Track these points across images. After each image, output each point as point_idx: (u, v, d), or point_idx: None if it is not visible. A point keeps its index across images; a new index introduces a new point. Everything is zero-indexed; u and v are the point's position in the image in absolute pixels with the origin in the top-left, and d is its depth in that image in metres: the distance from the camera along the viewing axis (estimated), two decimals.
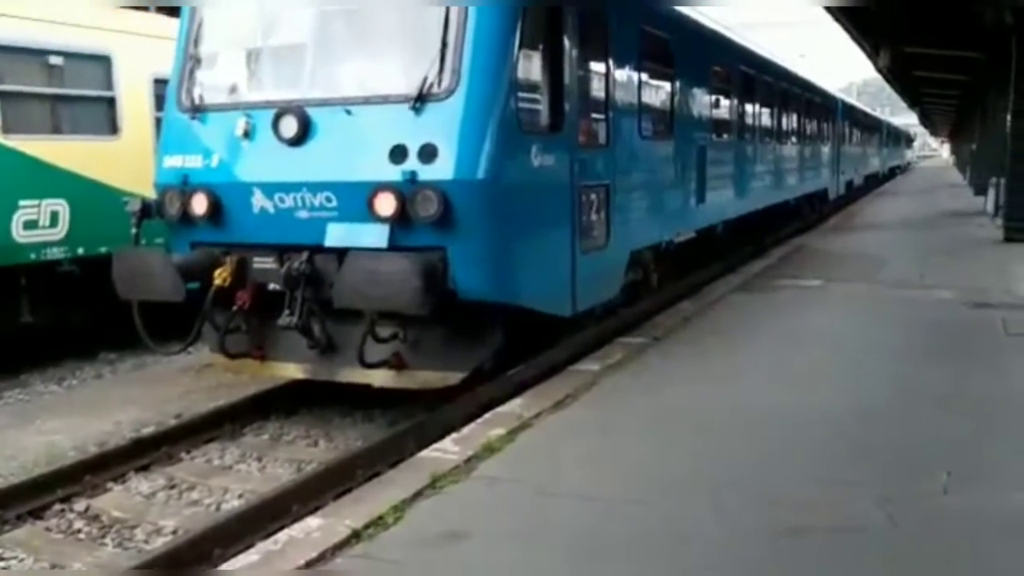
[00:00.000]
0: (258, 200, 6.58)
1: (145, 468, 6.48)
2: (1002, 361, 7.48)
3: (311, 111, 6.46)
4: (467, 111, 6.18)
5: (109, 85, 9.87)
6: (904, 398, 6.40)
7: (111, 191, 9.69)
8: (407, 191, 6.07)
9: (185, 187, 6.83)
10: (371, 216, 6.16)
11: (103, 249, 9.64)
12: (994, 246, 15.26)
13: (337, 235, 6.32)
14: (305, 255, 6.47)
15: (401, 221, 6.11)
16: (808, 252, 15.29)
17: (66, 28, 9.42)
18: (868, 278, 11.80)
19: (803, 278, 11.92)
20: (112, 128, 9.95)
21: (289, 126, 6.44)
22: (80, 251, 9.49)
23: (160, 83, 10.20)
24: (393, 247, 6.09)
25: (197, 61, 7.24)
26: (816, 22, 43.18)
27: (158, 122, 10.20)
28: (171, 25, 10.57)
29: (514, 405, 6.34)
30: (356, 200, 6.20)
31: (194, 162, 6.89)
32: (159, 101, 10.21)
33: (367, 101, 6.42)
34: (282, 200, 6.51)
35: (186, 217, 6.86)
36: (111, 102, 9.92)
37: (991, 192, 20.25)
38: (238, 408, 7.52)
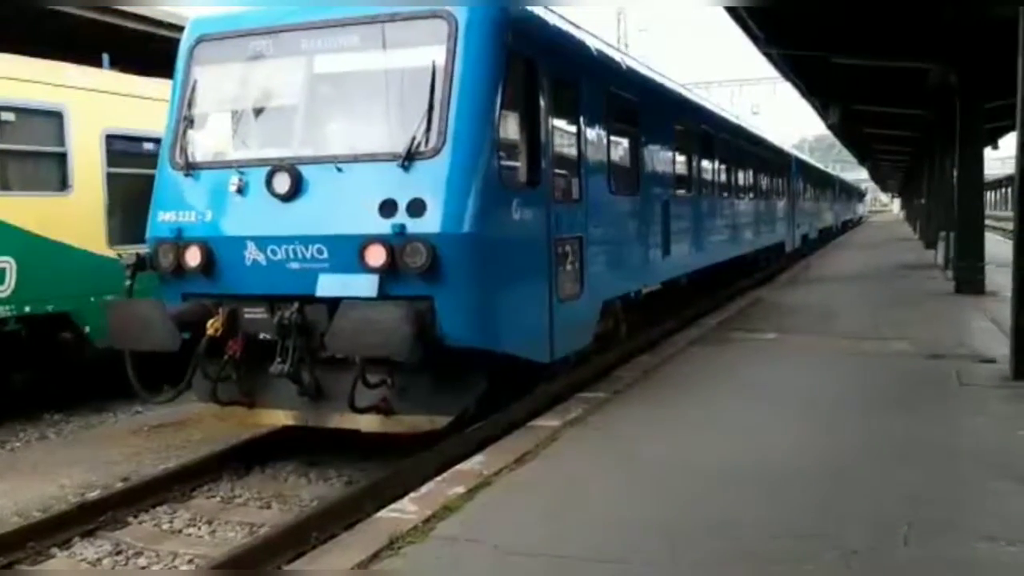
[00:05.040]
0: (251, 253, 6.89)
1: (91, 533, 6.27)
2: (957, 412, 7.60)
3: (302, 168, 6.82)
4: (453, 168, 6.58)
5: (60, 141, 9.77)
6: (863, 449, 6.46)
7: (60, 248, 9.57)
8: (396, 243, 6.43)
9: (179, 241, 7.12)
10: (361, 267, 6.49)
11: (50, 307, 9.48)
12: (945, 298, 15.60)
13: (328, 285, 6.61)
14: (296, 305, 6.71)
15: (390, 272, 6.46)
16: (766, 305, 15.50)
17: (17, 83, 9.34)
18: (825, 330, 11.98)
19: (761, 331, 12.06)
20: (62, 184, 9.83)
21: (282, 182, 6.78)
22: (27, 309, 9.28)
23: (112, 139, 10.20)
24: (382, 296, 6.42)
25: (190, 121, 7.55)
26: (768, 79, 44.50)
27: (110, 178, 10.17)
28: (124, 81, 10.61)
29: (474, 462, 6.29)
30: (347, 252, 6.54)
31: (188, 217, 7.20)
32: (111, 157, 10.18)
33: (357, 159, 6.79)
34: (274, 253, 6.82)
35: (179, 269, 7.12)
36: (62, 158, 9.81)
37: (941, 246, 20.82)
38: (188, 470, 7.34)
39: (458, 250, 6.47)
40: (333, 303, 6.46)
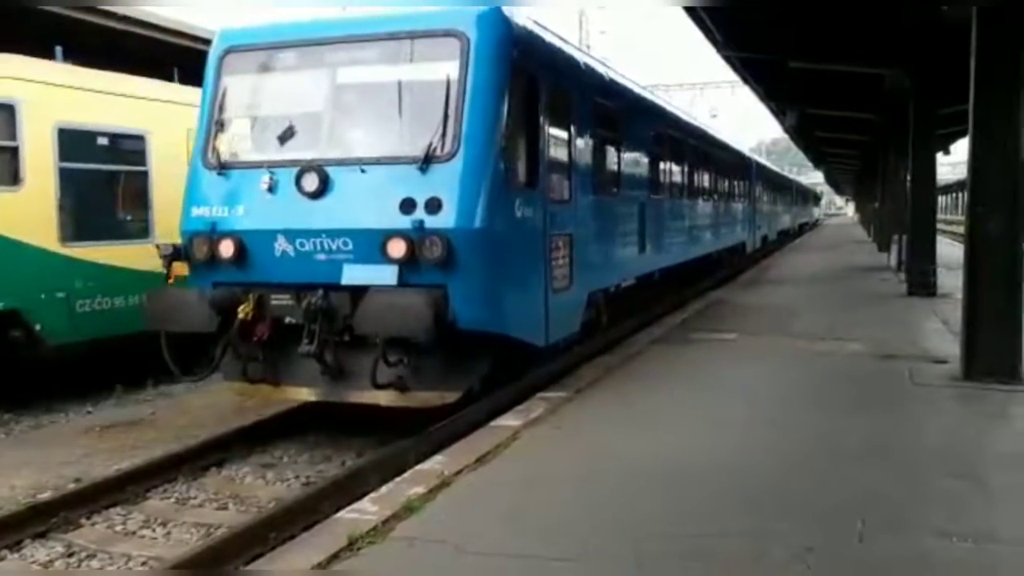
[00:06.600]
0: (281, 245, 7.56)
1: (42, 535, 6.12)
2: (910, 410, 7.73)
3: (329, 169, 7.49)
4: (466, 170, 7.32)
5: (12, 135, 9.52)
6: (819, 448, 6.54)
7: (10, 244, 9.33)
8: (415, 237, 7.14)
9: (212, 234, 7.74)
10: (383, 258, 7.21)
11: (0, 305, 9.25)
12: (898, 299, 15.88)
13: (352, 275, 7.33)
14: (320, 292, 7.36)
15: (408, 263, 7.18)
16: (724, 306, 15.66)
17: None
18: (781, 331, 12.13)
19: (720, 331, 12.17)
20: (13, 179, 9.57)
21: (311, 181, 7.44)
22: None
23: (65, 133, 9.97)
24: (401, 285, 7.17)
25: (221, 125, 8.20)
26: (727, 82, 45.03)
27: (63, 173, 9.94)
28: (78, 75, 10.38)
29: (434, 462, 6.26)
30: (370, 244, 7.25)
31: (220, 212, 7.83)
32: (63, 151, 9.95)
33: (379, 161, 7.51)
34: (302, 245, 7.50)
35: (212, 260, 7.76)
36: (14, 152, 9.56)
37: (894, 248, 21.17)
38: (142, 470, 7.20)
39: (470, 243, 7.18)
40: (356, 291, 7.20)
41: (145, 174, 10.97)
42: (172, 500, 6.92)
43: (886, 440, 6.71)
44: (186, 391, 10.46)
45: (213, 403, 9.67)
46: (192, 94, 11.25)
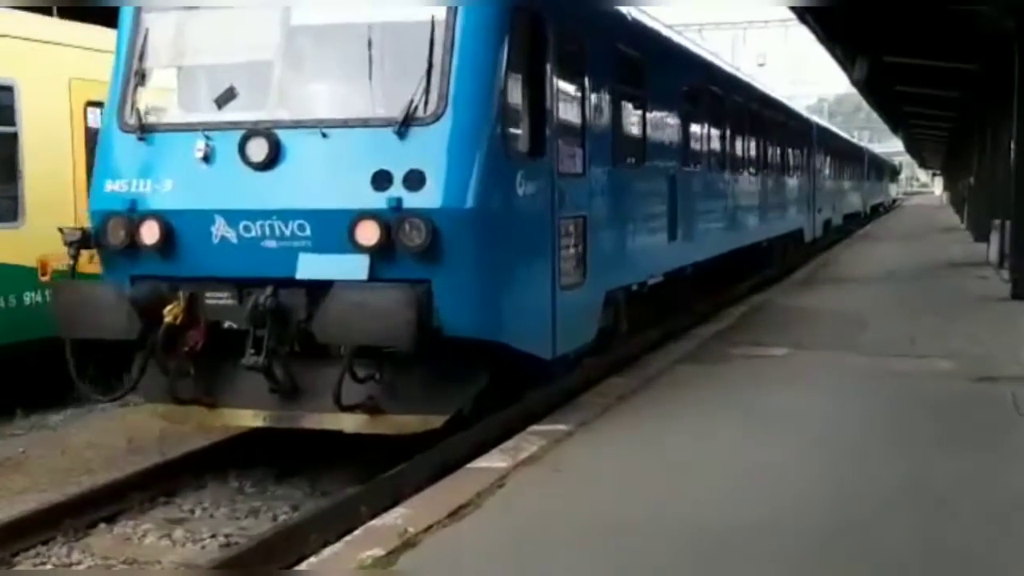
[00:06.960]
0: (219, 229, 7.57)
1: None
2: (1016, 447, 7.76)
3: (281, 133, 7.55)
4: (455, 136, 7.43)
5: None
6: (894, 499, 6.53)
7: None
8: (392, 219, 7.21)
9: (132, 214, 7.72)
10: (350, 246, 7.26)
11: None
12: (999, 304, 15.97)
13: (310, 267, 7.39)
14: (269, 289, 7.44)
15: (382, 252, 7.24)
16: (774, 310, 15.72)
17: None
18: (847, 345, 12.17)
19: (768, 344, 12.22)
20: None
21: (259, 149, 7.50)
22: None
23: None
24: (374, 279, 7.23)
25: (142, 76, 8.22)
26: (778, 22, 45.04)
27: None
28: None
29: (394, 516, 6.23)
30: (333, 229, 7.29)
31: (142, 187, 7.84)
32: None
33: (345, 124, 7.60)
34: (247, 229, 7.53)
35: (131, 248, 7.76)
36: None
37: (994, 238, 21.25)
38: (8, 527, 7.09)
39: (460, 228, 7.28)
40: (315, 287, 7.28)
41: (14, 136, 10.89)
42: (48, 566, 6.86)
43: (986, 489, 6.71)
44: (65, 424, 10.41)
45: (101, 439, 9.65)
46: (78, 32, 11.27)
